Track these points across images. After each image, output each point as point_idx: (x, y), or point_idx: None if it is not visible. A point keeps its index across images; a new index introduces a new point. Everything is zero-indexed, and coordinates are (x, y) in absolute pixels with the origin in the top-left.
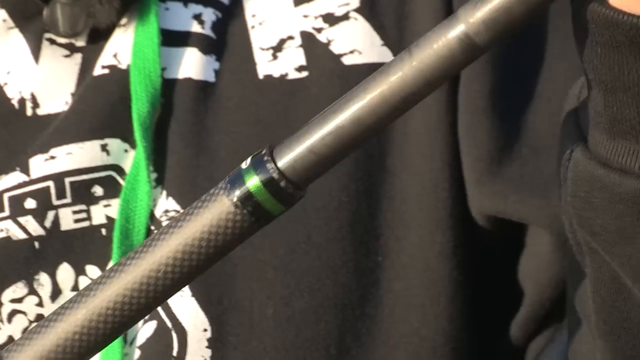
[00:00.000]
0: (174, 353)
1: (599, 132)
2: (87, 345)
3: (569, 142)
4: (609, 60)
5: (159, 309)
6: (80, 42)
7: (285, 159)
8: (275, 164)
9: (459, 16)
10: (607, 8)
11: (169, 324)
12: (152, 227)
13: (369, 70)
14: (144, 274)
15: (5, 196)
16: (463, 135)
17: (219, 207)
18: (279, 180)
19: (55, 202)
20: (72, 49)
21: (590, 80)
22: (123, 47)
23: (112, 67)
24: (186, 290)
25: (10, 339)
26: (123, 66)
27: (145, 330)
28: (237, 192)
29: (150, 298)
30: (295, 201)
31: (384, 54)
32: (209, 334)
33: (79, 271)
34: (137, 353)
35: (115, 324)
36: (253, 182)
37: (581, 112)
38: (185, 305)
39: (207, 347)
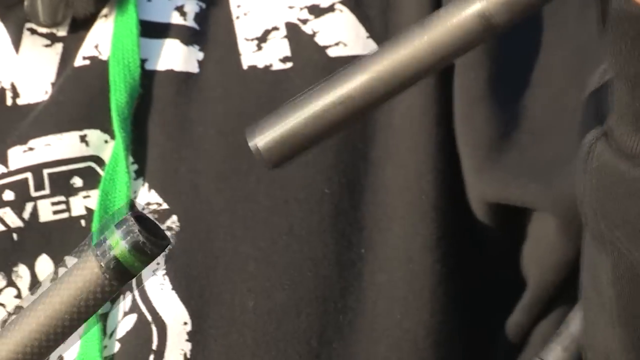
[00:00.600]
0: (154, 347)
1: (624, 125)
2: None
3: (589, 131)
4: (635, 54)
5: (139, 301)
6: (62, 32)
7: None
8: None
9: None
10: (633, 4)
11: (149, 317)
12: None
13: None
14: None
15: None
16: (460, 124)
17: (89, 276)
18: (144, 244)
19: (34, 193)
20: (53, 38)
21: (616, 74)
22: (104, 38)
23: (92, 58)
24: (166, 284)
25: None
26: (104, 57)
27: (125, 323)
28: (106, 260)
29: None
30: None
31: (369, 46)
32: (189, 327)
33: (58, 262)
34: (117, 346)
35: None
36: (120, 248)
37: (603, 101)
38: (165, 299)
39: (187, 340)
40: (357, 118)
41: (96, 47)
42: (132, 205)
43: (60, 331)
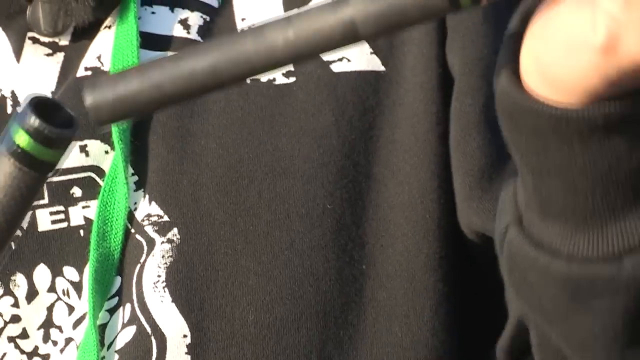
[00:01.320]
0: (153, 359)
1: (530, 212)
2: None
3: (505, 215)
4: (534, 146)
5: (139, 313)
6: (64, 41)
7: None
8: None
9: (349, 2)
10: (528, 98)
11: (149, 329)
12: (132, 230)
13: (358, 78)
14: None
15: None
16: (454, 149)
17: (4, 171)
18: (43, 129)
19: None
20: (54, 47)
21: (519, 162)
22: (106, 48)
23: (94, 69)
24: (166, 296)
25: None
26: (105, 68)
27: (124, 334)
28: (11, 150)
29: None
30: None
31: (372, 62)
32: (188, 340)
33: (56, 272)
34: (116, 357)
35: None
36: (22, 137)
37: (517, 184)
38: (165, 311)
39: (187, 353)
40: (198, 95)
41: (98, 57)
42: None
43: None
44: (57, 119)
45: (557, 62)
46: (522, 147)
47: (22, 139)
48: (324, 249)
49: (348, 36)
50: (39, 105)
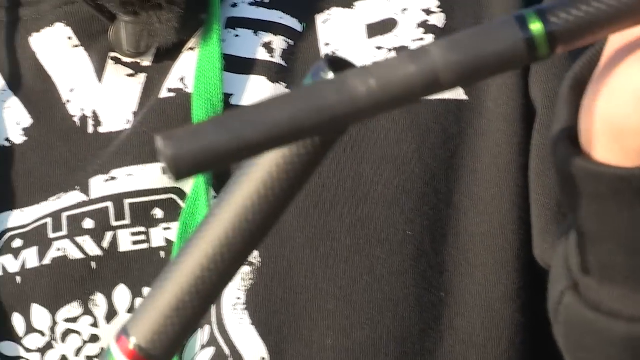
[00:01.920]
0: None
1: (587, 278)
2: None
3: (559, 282)
4: (594, 210)
5: (218, 335)
6: (146, 62)
7: None
8: None
9: (431, 51)
10: (589, 162)
11: (227, 351)
12: None
13: (440, 106)
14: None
15: (64, 215)
16: (533, 182)
17: None
18: None
19: (114, 223)
20: (136, 68)
21: (576, 227)
22: (189, 70)
23: (178, 91)
24: (245, 318)
25: (63, 359)
26: (189, 90)
27: (202, 356)
28: None
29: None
30: None
31: (456, 91)
32: None
33: (136, 293)
34: None
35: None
36: None
37: (570, 249)
38: (243, 333)
39: None
40: (279, 145)
41: (181, 79)
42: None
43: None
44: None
45: (629, 118)
46: (582, 211)
47: None
48: (403, 275)
49: (430, 86)
50: (333, 62)
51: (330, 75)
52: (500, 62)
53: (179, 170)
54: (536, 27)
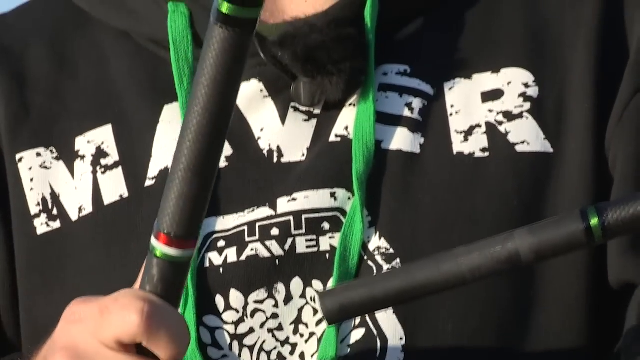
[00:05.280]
0: (377, 354)
1: None
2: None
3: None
4: None
5: (368, 319)
6: (317, 111)
7: None
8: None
9: (514, 236)
10: None
11: (375, 332)
12: (365, 257)
13: (533, 157)
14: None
15: (257, 225)
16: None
17: (217, 38)
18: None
19: (294, 232)
20: (310, 115)
21: None
22: (350, 121)
23: (343, 137)
24: (390, 309)
25: (251, 330)
26: (351, 137)
27: (355, 334)
28: (215, 19)
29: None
30: None
31: (545, 145)
32: (403, 342)
33: (307, 284)
34: (347, 350)
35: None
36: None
37: None
38: (387, 319)
39: (402, 351)
40: (400, 304)
41: (346, 128)
42: None
43: None
44: None
45: None
46: None
47: (223, 6)
48: (503, 278)
49: (513, 264)
50: None
51: None
52: (566, 245)
53: (332, 319)
54: (594, 221)
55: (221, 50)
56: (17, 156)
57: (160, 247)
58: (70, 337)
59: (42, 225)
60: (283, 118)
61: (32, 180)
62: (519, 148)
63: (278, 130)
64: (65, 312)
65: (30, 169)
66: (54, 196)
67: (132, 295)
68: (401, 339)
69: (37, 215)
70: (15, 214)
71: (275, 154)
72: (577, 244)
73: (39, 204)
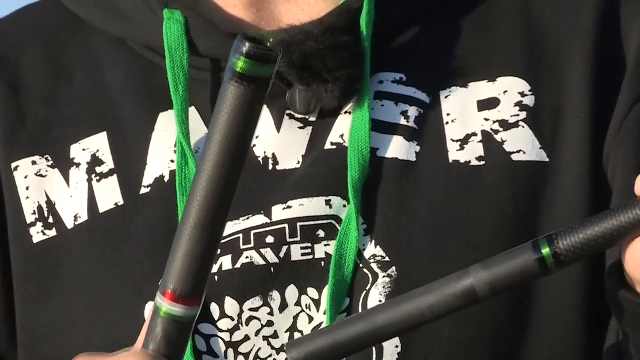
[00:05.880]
0: None
1: None
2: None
3: None
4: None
5: None
6: (312, 118)
7: None
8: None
9: (469, 272)
10: (636, 295)
11: None
12: (361, 265)
13: (529, 166)
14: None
15: (252, 232)
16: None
17: (231, 95)
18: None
19: (288, 239)
20: (305, 122)
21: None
22: (346, 129)
23: (338, 144)
24: None
25: (246, 337)
26: (346, 144)
27: None
28: (235, 76)
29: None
30: None
31: (540, 154)
32: (399, 349)
33: (302, 291)
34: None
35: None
36: (238, 62)
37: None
38: None
39: (397, 359)
40: (371, 345)
41: (341, 136)
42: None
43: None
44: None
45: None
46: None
47: (239, 64)
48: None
49: (470, 299)
50: (247, 38)
51: (247, 45)
52: (520, 276)
53: None
54: (545, 250)
55: (235, 106)
56: (13, 165)
57: (165, 305)
58: None
59: (38, 234)
60: (278, 125)
61: (27, 188)
62: (515, 157)
63: (273, 137)
64: None
65: (26, 177)
66: (50, 204)
67: (137, 357)
68: (396, 346)
69: (33, 224)
70: (11, 223)
71: (270, 161)
72: (531, 274)
73: (34, 212)
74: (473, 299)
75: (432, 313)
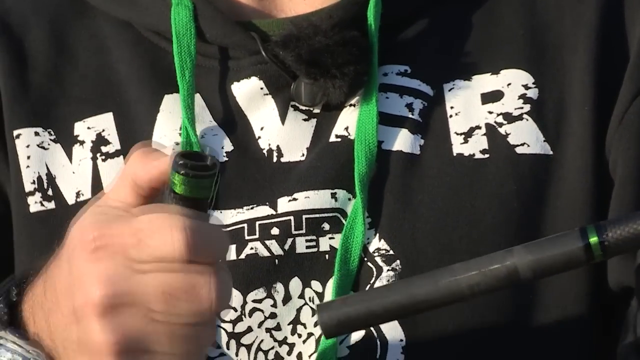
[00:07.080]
0: (377, 355)
1: None
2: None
3: None
4: None
5: None
6: (317, 110)
7: None
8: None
9: (513, 253)
10: None
11: (375, 333)
12: (365, 259)
13: (534, 159)
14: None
15: (257, 223)
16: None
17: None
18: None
19: (294, 232)
20: (310, 115)
21: None
22: (351, 122)
23: (343, 137)
24: None
25: (249, 329)
26: (351, 137)
27: (355, 335)
28: (175, 200)
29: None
30: None
31: (544, 147)
32: (403, 343)
33: (306, 284)
34: (347, 351)
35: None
36: (177, 184)
37: None
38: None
39: (402, 352)
40: (397, 319)
41: (346, 129)
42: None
43: None
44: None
45: None
46: None
47: (177, 186)
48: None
49: (512, 281)
50: (185, 155)
51: (185, 164)
52: (565, 263)
53: (329, 333)
54: (593, 239)
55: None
56: (15, 132)
57: None
58: (99, 272)
59: (35, 204)
60: (283, 117)
61: (28, 157)
62: (519, 150)
63: (278, 129)
64: (75, 237)
65: (28, 146)
66: (50, 177)
67: (165, 211)
68: (401, 340)
69: (32, 193)
70: (12, 189)
71: (275, 154)
72: (576, 262)
73: (34, 182)
74: (515, 281)
75: (472, 292)
